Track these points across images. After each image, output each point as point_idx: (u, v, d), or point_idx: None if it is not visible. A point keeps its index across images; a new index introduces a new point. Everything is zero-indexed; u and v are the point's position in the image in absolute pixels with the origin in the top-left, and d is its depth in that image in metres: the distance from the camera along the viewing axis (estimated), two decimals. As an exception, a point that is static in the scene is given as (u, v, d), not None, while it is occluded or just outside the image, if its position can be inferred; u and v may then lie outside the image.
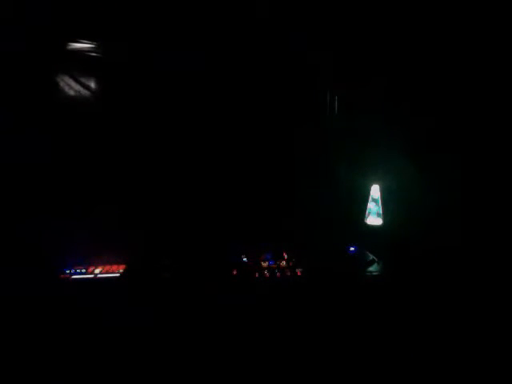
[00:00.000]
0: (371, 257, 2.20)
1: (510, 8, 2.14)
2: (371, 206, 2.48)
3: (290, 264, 2.03)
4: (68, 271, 1.91)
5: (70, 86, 2.46)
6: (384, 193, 2.47)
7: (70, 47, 2.43)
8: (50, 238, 2.27)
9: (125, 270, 1.95)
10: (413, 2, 2.32)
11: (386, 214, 2.45)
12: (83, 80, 2.50)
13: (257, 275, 1.94)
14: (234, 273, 1.96)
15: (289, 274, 1.96)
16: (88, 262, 1.99)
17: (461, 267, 2.09)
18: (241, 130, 2.51)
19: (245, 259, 2.11)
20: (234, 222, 2.43)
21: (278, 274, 1.95)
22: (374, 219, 2.46)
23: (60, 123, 2.35)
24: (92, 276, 1.89)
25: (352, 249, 2.27)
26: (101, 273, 1.92)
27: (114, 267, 1.97)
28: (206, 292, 1.80)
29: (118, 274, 1.91)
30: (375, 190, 2.47)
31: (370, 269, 2.10)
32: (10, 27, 2.17)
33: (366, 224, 2.48)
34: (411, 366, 1.76)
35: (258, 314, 1.76)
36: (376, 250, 2.25)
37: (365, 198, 2.52)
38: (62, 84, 2.43)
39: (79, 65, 2.46)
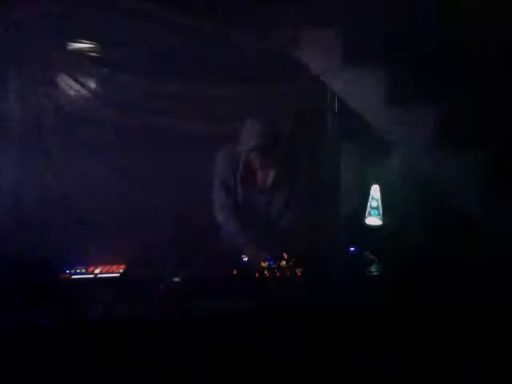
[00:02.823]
0: (371, 257, 2.20)
1: None
2: (371, 205, 2.48)
3: (290, 264, 2.02)
4: (68, 271, 1.91)
5: (70, 86, 2.47)
6: (384, 193, 2.47)
7: (70, 47, 2.43)
8: (51, 238, 2.28)
9: (125, 270, 1.95)
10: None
11: (385, 214, 2.45)
12: (83, 80, 2.50)
13: (257, 275, 1.94)
14: (234, 273, 1.96)
15: (289, 274, 1.96)
16: (88, 262, 1.99)
17: (461, 267, 2.09)
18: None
19: (245, 259, 2.11)
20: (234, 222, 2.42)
21: (277, 274, 1.95)
22: (373, 219, 2.46)
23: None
24: (92, 276, 1.89)
25: (352, 249, 2.27)
26: (101, 273, 1.92)
27: (114, 267, 1.97)
28: (206, 292, 1.81)
29: (117, 274, 1.91)
30: (375, 190, 2.47)
31: (370, 269, 2.10)
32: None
33: (365, 224, 2.48)
34: (411, 366, 1.76)
35: (258, 314, 1.76)
36: (376, 250, 2.25)
37: (365, 197, 2.52)
38: (62, 84, 2.43)
39: (79, 65, 2.46)
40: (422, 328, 1.79)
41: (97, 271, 1.93)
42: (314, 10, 2.47)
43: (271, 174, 2.29)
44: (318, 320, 1.77)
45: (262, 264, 2.01)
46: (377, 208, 2.45)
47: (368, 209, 2.48)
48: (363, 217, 2.50)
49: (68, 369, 1.59)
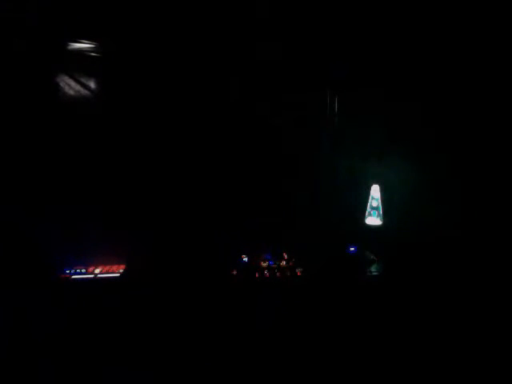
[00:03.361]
0: (371, 257, 2.19)
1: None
2: (371, 205, 2.48)
3: (290, 264, 2.03)
4: (68, 271, 1.91)
5: (70, 86, 2.46)
6: (384, 193, 2.47)
7: (70, 47, 2.43)
8: (51, 238, 2.27)
9: (125, 270, 1.95)
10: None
11: (385, 214, 2.45)
12: (83, 80, 2.50)
13: (257, 275, 1.94)
14: (234, 273, 1.96)
15: (289, 274, 1.96)
16: (88, 262, 1.99)
17: (461, 267, 2.09)
18: (240, 131, 2.50)
19: (245, 259, 2.11)
20: (234, 223, 2.42)
21: (278, 273, 1.95)
22: (374, 219, 2.45)
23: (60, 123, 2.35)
24: (92, 276, 1.89)
25: (352, 249, 2.27)
26: (101, 273, 1.92)
27: (114, 267, 1.97)
28: (207, 292, 1.80)
29: (117, 274, 1.91)
30: (375, 190, 2.47)
31: (370, 269, 2.10)
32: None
33: (365, 224, 2.48)
34: (411, 365, 1.76)
35: (258, 314, 1.76)
36: (376, 250, 2.25)
37: (365, 197, 2.52)
38: (62, 84, 2.43)
39: (79, 65, 2.46)
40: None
41: (97, 271, 1.93)
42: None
43: None
44: (318, 320, 1.77)
45: (262, 264, 2.02)
46: (377, 208, 2.45)
47: (368, 209, 2.48)
48: (363, 217, 2.50)
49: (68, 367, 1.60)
